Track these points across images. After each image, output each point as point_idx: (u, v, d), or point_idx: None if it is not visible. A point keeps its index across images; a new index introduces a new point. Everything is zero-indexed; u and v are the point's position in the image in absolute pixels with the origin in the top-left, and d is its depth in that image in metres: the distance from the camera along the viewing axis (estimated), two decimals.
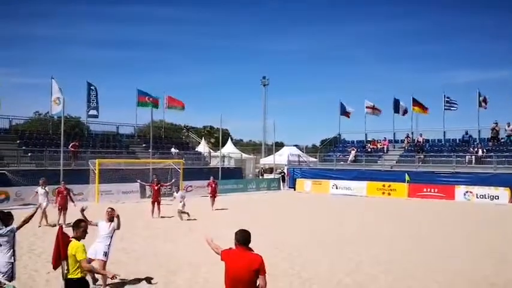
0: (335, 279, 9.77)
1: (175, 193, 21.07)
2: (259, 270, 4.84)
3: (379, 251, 12.82)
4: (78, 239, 6.16)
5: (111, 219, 8.84)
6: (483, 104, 34.69)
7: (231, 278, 4.90)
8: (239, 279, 4.83)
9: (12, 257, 7.05)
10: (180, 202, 19.02)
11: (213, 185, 22.77)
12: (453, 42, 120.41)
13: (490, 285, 9.44)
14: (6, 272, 6.95)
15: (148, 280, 9.20)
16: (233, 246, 5.15)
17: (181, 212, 18.77)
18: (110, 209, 9.03)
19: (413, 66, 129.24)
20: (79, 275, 6.01)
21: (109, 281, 8.15)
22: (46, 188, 16.94)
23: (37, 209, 8.10)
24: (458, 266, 11.05)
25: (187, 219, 18.40)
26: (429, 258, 11.94)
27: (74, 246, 6.03)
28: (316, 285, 9.31)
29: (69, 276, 6.02)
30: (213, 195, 22.53)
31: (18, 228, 7.30)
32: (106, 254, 8.48)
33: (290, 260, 11.45)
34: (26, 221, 7.85)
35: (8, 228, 7.05)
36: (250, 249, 5.07)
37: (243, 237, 5.04)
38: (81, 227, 6.29)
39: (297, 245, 13.56)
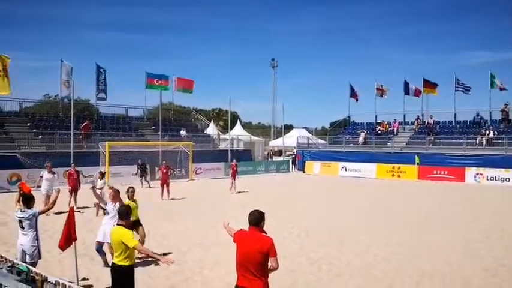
0: (344, 260, 9.80)
1: (97, 181, 16.11)
2: (269, 252, 4.84)
3: (388, 232, 12.82)
4: (125, 226, 6.03)
5: (114, 199, 8.90)
6: (499, 84, 34.13)
7: (241, 259, 4.93)
8: (249, 260, 4.85)
9: (36, 241, 7.13)
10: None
11: (235, 168, 22.95)
12: (465, 23, 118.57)
13: (500, 266, 9.42)
14: (32, 253, 7.06)
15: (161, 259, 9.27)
16: (245, 228, 5.16)
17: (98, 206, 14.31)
18: (112, 190, 9.15)
19: (425, 48, 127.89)
20: (128, 263, 5.92)
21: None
22: (53, 172, 15.97)
23: (58, 193, 8.03)
24: (468, 248, 11.03)
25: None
26: (439, 239, 11.93)
27: (118, 233, 5.93)
28: (325, 265, 9.34)
29: (116, 263, 5.94)
30: (234, 177, 22.63)
31: (41, 213, 7.37)
32: None
33: (299, 242, 11.50)
34: (50, 207, 7.92)
35: (31, 212, 7.10)
36: (263, 231, 5.05)
37: (254, 218, 5.02)
38: (128, 213, 6.26)
39: (306, 226, 13.60)
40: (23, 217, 7.07)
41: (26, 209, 7.14)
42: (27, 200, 7.22)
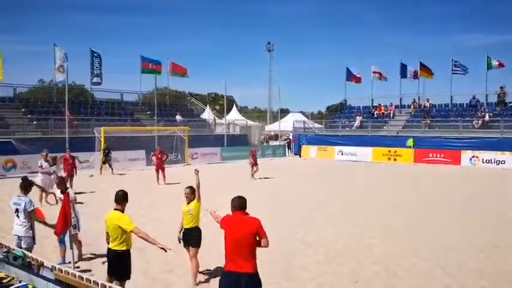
0: (340, 243, 9.85)
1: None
2: (259, 232, 5.03)
3: (383, 215, 12.89)
4: (122, 211, 6.06)
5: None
6: (495, 64, 33.98)
7: (231, 242, 5.00)
8: (242, 243, 4.95)
9: (31, 231, 7.10)
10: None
11: (255, 155, 22.25)
12: (462, 5, 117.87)
13: (494, 247, 9.50)
14: (27, 240, 7.05)
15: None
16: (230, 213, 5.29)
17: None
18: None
19: (421, 30, 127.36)
20: (124, 247, 5.97)
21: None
22: (50, 161, 15.13)
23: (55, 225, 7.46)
24: (463, 230, 11.11)
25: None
26: (434, 222, 12.00)
27: (114, 217, 5.93)
28: (322, 249, 9.40)
29: (113, 248, 5.96)
30: (254, 164, 21.75)
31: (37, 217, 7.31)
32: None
33: (295, 225, 11.54)
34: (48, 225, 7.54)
35: (26, 203, 7.04)
36: (247, 214, 5.24)
37: (239, 203, 5.23)
38: (126, 200, 6.17)
39: (302, 210, 13.65)
40: (19, 204, 7.04)
41: (21, 196, 7.11)
42: (26, 185, 7.23)
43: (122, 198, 6.11)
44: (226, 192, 16.74)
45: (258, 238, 5.06)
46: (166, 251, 5.88)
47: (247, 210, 5.29)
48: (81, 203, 13.76)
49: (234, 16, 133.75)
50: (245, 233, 4.98)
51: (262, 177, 21.43)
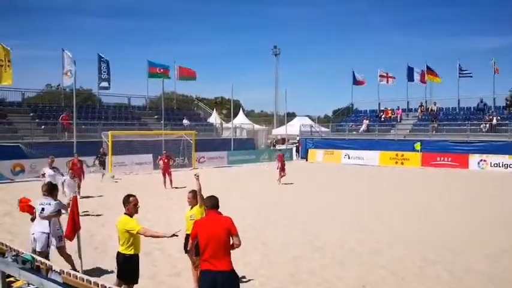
0: (347, 247, 9.83)
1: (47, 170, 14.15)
2: (231, 230, 5.11)
3: (391, 219, 12.84)
4: (131, 215, 6.03)
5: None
6: (495, 67, 33.90)
7: (208, 243, 5.03)
8: (218, 240, 5.02)
9: (48, 227, 7.23)
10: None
11: (282, 158, 21.95)
12: (469, 7, 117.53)
13: (501, 252, 9.44)
14: (43, 241, 7.13)
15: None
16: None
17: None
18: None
19: (428, 33, 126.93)
20: (132, 251, 5.97)
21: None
22: (55, 168, 14.26)
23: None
24: (471, 234, 11.05)
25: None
26: (442, 226, 11.94)
27: (123, 222, 5.95)
28: (329, 253, 9.38)
29: (121, 252, 6.00)
30: (281, 169, 21.35)
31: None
32: None
33: (302, 229, 11.51)
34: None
35: (55, 205, 7.26)
36: (220, 213, 5.42)
37: (211, 203, 5.42)
38: (131, 201, 6.03)
39: (310, 213, 13.63)
40: (47, 205, 7.27)
41: (51, 201, 7.24)
42: (53, 189, 7.46)
43: (124, 201, 6.14)
44: (230, 194, 16.81)
45: (231, 236, 5.13)
46: (177, 235, 5.92)
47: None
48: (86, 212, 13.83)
49: (241, 20, 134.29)
50: (219, 230, 5.08)
51: (272, 180, 21.42)
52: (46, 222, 7.19)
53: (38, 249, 6.91)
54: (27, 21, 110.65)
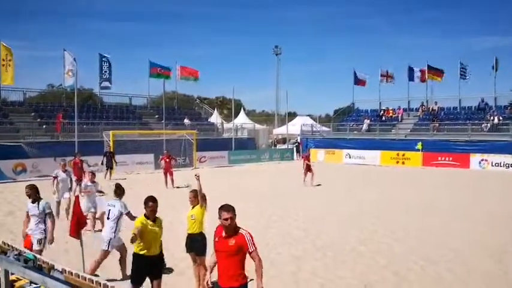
0: (349, 247, 9.83)
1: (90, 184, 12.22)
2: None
3: (392, 219, 12.84)
4: (148, 217, 6.11)
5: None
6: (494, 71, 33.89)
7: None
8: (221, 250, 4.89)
9: (44, 231, 7.29)
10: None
11: (309, 159, 21.61)
12: (470, 7, 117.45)
13: (503, 252, 9.42)
14: (40, 239, 7.25)
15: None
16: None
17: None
18: None
19: (429, 33, 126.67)
20: (135, 250, 6.15)
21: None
22: (68, 172, 13.29)
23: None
24: (473, 234, 11.04)
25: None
26: (444, 226, 11.93)
27: (137, 222, 6.12)
28: (330, 252, 9.38)
29: (135, 251, 6.16)
30: (308, 169, 20.75)
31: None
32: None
33: (304, 229, 11.52)
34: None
35: (40, 208, 7.24)
36: None
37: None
38: (149, 206, 6.05)
39: (311, 213, 13.63)
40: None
41: (35, 204, 7.32)
42: (35, 191, 7.40)
43: (144, 203, 6.20)
44: (230, 193, 16.81)
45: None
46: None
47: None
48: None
49: (242, 20, 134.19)
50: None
51: (273, 180, 21.38)
52: (42, 223, 7.29)
53: (35, 248, 7.03)
54: (29, 22, 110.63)
